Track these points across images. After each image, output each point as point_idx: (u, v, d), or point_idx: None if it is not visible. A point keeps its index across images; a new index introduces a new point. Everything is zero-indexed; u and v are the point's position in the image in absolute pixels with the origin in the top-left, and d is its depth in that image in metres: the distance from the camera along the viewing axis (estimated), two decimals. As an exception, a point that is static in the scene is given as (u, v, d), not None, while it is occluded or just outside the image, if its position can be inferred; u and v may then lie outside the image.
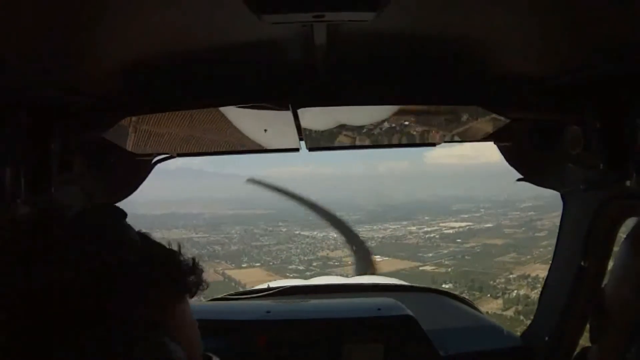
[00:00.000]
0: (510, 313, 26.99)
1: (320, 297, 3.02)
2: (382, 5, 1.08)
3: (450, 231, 41.78)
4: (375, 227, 43.80)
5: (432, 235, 41.46)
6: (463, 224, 42.88)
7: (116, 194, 2.20)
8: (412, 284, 3.77)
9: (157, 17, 1.18)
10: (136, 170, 2.26)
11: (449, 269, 33.58)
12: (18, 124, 1.60)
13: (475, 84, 1.75)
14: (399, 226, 43.99)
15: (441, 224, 43.39)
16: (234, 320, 2.44)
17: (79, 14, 1.09)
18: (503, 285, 30.32)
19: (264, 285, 3.38)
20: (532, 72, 1.67)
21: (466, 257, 36.02)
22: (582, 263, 2.09)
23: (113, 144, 2.00)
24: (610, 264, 2.08)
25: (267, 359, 2.34)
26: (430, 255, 36.79)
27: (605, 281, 1.20)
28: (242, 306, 2.82)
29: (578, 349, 2.14)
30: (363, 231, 41.96)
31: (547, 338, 2.30)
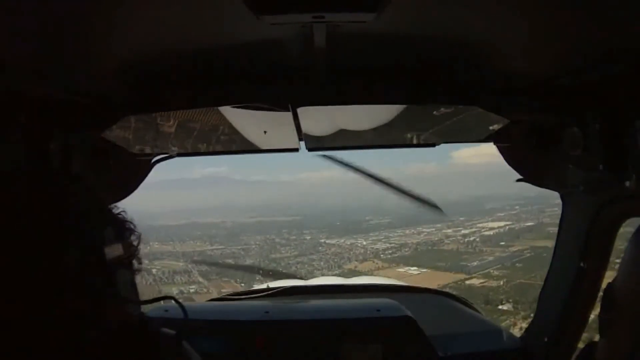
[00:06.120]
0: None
1: (320, 297, 3.01)
2: (381, 6, 1.08)
3: (491, 232, 37.56)
4: (407, 232, 40.15)
5: (471, 238, 36.70)
6: (502, 224, 38.69)
7: (116, 194, 2.20)
8: (411, 285, 3.76)
9: (156, 17, 1.18)
10: (136, 170, 2.26)
11: (501, 282, 27.50)
12: (18, 124, 1.60)
13: (475, 84, 1.75)
14: (433, 229, 39.58)
15: (478, 225, 39.39)
16: (233, 321, 2.44)
17: (79, 14, 1.09)
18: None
19: (264, 286, 3.38)
20: (532, 73, 1.67)
21: (517, 264, 30.30)
22: (582, 264, 2.09)
23: (113, 144, 2.01)
24: (610, 264, 2.08)
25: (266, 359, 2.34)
26: (475, 264, 31.39)
27: (614, 276, 1.20)
28: (241, 306, 2.81)
29: (582, 345, 2.14)
30: (395, 236, 39.04)
31: (546, 339, 2.30)
